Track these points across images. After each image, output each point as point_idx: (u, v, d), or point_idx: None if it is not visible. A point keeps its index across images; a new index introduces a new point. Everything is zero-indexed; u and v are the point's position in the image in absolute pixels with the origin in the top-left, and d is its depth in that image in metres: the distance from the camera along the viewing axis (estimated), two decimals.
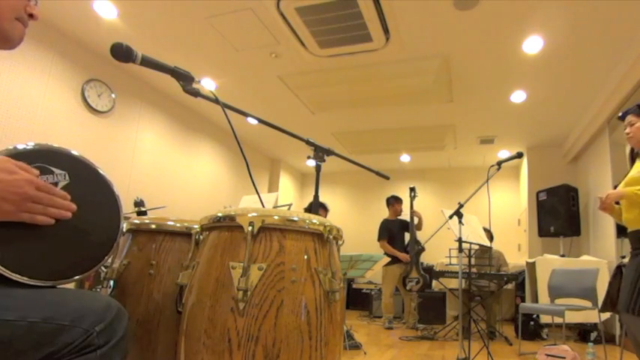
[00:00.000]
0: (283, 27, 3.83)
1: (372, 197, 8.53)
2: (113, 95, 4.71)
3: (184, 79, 1.24)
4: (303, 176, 9.33)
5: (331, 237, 1.14)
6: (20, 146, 0.90)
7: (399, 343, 4.25)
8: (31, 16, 0.91)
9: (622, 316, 2.23)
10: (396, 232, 5.61)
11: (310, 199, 4.13)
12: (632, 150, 2.53)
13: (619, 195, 2.31)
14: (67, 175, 0.92)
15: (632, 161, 2.51)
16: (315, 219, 1.11)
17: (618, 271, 2.43)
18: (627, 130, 2.39)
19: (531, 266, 5.25)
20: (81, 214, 0.92)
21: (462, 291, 3.43)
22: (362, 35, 3.89)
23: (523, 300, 5.57)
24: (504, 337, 4.51)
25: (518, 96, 5.01)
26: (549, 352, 3.30)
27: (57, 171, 0.92)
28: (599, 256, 5.03)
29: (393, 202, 5.80)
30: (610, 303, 2.46)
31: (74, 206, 0.89)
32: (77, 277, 0.94)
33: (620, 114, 2.49)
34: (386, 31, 3.84)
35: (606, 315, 3.98)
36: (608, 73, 4.37)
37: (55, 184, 0.91)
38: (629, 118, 2.39)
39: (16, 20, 0.89)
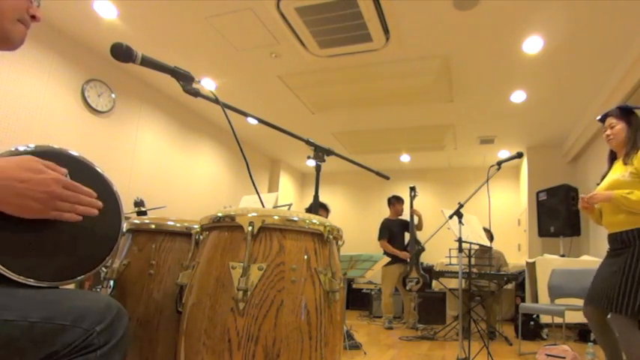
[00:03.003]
0: (283, 27, 3.83)
1: (372, 197, 8.54)
2: (113, 95, 4.71)
3: (184, 79, 1.24)
4: (303, 176, 9.33)
5: (331, 237, 1.14)
6: (21, 147, 0.90)
7: (399, 343, 4.25)
8: (33, 17, 0.91)
9: (612, 316, 2.23)
10: (397, 232, 5.62)
11: (310, 199, 4.13)
12: (611, 152, 2.57)
13: (606, 197, 2.30)
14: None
15: (611, 164, 2.54)
16: (315, 219, 1.11)
17: None
18: (608, 132, 2.43)
19: (531, 266, 5.24)
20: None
21: (462, 291, 3.43)
22: (362, 35, 3.90)
23: (523, 300, 5.57)
24: (504, 337, 4.51)
25: (518, 96, 5.01)
26: (549, 352, 3.30)
27: None
28: (599, 256, 5.02)
29: (395, 201, 5.81)
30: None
31: (100, 204, 0.91)
32: (80, 277, 0.94)
33: (599, 117, 2.53)
34: (386, 31, 3.84)
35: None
36: (608, 74, 4.36)
37: None
38: (610, 120, 2.44)
39: (18, 22, 0.89)
